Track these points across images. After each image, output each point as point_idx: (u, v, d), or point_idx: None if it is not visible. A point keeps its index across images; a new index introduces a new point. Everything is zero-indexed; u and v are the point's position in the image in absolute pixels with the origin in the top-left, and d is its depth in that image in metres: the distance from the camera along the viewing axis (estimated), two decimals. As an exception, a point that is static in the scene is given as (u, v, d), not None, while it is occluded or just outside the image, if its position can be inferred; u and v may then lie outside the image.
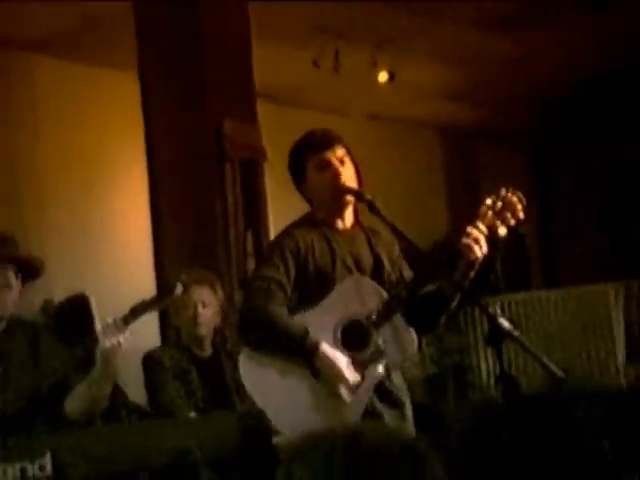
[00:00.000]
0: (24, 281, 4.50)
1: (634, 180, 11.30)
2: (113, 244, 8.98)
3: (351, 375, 4.05)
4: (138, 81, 7.60)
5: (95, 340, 4.16)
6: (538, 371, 4.40)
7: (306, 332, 4.06)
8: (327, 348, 4.05)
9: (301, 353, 4.06)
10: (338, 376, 4.03)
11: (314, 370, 4.07)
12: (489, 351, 8.07)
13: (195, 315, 5.61)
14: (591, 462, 5.67)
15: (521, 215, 4.05)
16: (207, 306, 5.66)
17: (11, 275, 4.41)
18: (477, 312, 8.24)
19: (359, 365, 4.07)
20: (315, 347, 4.04)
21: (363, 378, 4.08)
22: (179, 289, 4.35)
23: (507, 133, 12.10)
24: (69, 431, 4.15)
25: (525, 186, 4.25)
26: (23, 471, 3.47)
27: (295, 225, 4.35)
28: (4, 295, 4.40)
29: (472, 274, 4.07)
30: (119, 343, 4.14)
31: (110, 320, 4.18)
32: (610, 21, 9.32)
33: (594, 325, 8.73)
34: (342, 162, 4.24)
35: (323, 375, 4.04)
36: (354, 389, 4.06)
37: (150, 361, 5.68)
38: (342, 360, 4.05)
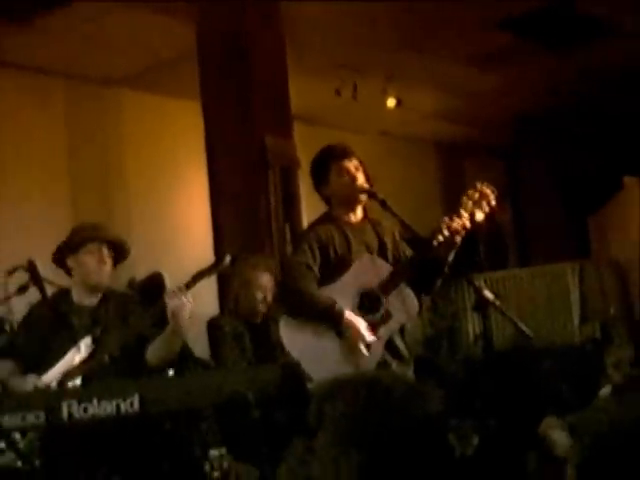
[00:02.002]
0: (115, 262, 4.55)
1: (585, 182, 11.29)
2: (181, 233, 9.02)
3: (368, 335, 4.08)
4: (201, 108, 7.67)
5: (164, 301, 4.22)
6: (512, 331, 4.41)
7: (333, 302, 4.08)
8: (350, 314, 4.08)
9: (330, 319, 4.09)
10: (359, 336, 4.05)
11: (339, 331, 4.12)
12: (475, 316, 8.07)
13: (258, 297, 5.62)
14: (552, 400, 5.68)
15: (493, 203, 4.08)
16: (268, 291, 5.64)
17: (105, 253, 4.45)
18: (465, 286, 8.25)
19: (373, 325, 4.10)
20: (341, 314, 4.06)
21: (376, 335, 4.12)
22: (227, 259, 4.39)
23: (489, 146, 12.08)
24: (152, 377, 4.19)
25: (503, 188, 4.26)
26: (117, 406, 3.52)
27: (318, 222, 4.37)
28: (101, 269, 4.45)
29: (453, 252, 4.10)
30: (183, 303, 4.19)
31: (174, 287, 4.24)
32: (569, 62, 9.34)
33: (556, 295, 8.73)
34: (357, 169, 4.28)
35: (347, 335, 4.07)
36: (370, 345, 4.10)
37: (213, 325, 5.65)
38: (361, 323, 4.09)
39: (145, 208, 8.75)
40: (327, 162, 4.33)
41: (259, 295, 5.57)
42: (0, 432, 3.62)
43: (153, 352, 4.33)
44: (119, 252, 4.56)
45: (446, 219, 4.02)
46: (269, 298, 5.60)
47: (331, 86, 8.90)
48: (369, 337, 4.08)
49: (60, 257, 4.51)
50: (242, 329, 5.58)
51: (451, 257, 4.13)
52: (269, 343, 5.48)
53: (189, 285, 4.23)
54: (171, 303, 4.18)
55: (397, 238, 4.35)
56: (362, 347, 4.07)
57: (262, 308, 5.61)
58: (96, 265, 4.42)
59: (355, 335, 4.06)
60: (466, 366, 7.09)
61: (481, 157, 12.10)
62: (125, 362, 4.27)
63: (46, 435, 3.80)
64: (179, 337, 4.35)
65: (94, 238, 4.46)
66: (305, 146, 7.20)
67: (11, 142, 8.05)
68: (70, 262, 4.47)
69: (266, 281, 5.61)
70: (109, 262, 4.47)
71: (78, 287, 4.49)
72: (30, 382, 4.22)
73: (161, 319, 4.30)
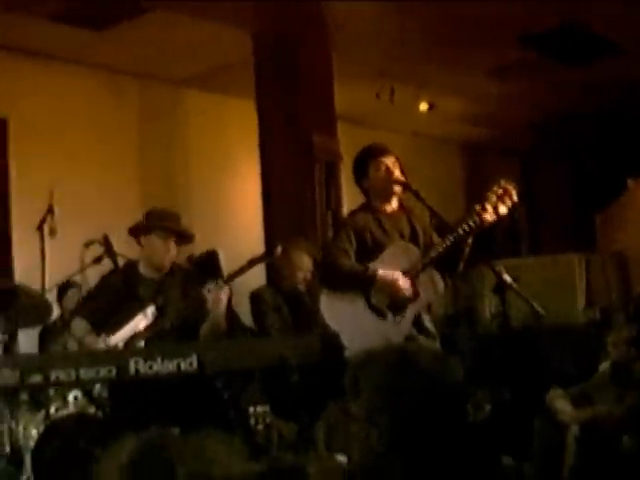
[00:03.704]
0: (179, 243, 4.57)
1: (593, 183, 11.18)
2: (236, 218, 9.04)
3: (404, 282, 4.07)
4: (255, 107, 7.69)
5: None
6: (526, 312, 4.37)
7: (366, 267, 4.08)
8: (383, 272, 4.07)
9: (365, 281, 4.07)
10: (394, 282, 4.05)
11: (370, 302, 4.09)
12: (491, 297, 8.01)
13: (299, 276, 5.63)
14: (557, 374, 5.65)
15: (515, 198, 4.05)
16: (308, 272, 5.65)
17: (172, 242, 4.48)
18: (483, 269, 8.17)
19: (402, 303, 4.10)
20: (374, 273, 4.06)
21: (406, 310, 4.10)
22: (279, 250, 4.41)
23: (508, 148, 11.99)
24: (207, 342, 4.21)
25: (518, 185, 4.23)
26: (178, 365, 3.55)
27: (357, 210, 4.38)
28: (165, 254, 4.47)
29: (471, 237, 4.08)
30: (219, 299, 4.18)
31: (212, 283, 4.22)
32: (580, 75, 9.26)
33: (563, 282, 8.67)
34: (393, 165, 4.26)
35: (381, 286, 4.05)
36: (409, 288, 4.08)
37: (255, 297, 5.70)
38: (396, 274, 4.06)
39: (205, 195, 8.77)
40: (366, 159, 4.33)
41: (300, 274, 5.59)
42: (78, 383, 3.67)
43: (205, 329, 4.36)
44: (184, 238, 4.59)
45: (477, 207, 4.00)
46: (308, 277, 5.62)
47: (371, 91, 8.87)
48: (405, 282, 4.06)
49: (135, 232, 4.54)
50: (280, 301, 5.61)
51: (470, 242, 4.12)
52: (304, 313, 5.50)
53: (231, 278, 4.24)
54: (209, 297, 4.17)
55: (427, 226, 4.33)
56: (401, 289, 4.04)
57: (301, 287, 5.62)
58: (162, 250, 4.45)
59: (391, 283, 4.04)
60: (482, 342, 7.05)
61: (501, 157, 12.01)
62: (183, 330, 4.29)
63: (115, 387, 3.84)
64: (220, 320, 4.34)
65: (165, 228, 4.48)
66: (347, 143, 7.22)
67: (91, 133, 8.12)
68: (142, 240, 4.51)
69: (306, 262, 5.64)
70: (173, 249, 4.49)
71: (145, 261, 4.52)
72: (100, 341, 4.26)
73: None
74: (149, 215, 4.56)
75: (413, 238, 4.25)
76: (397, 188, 4.24)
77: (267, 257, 4.60)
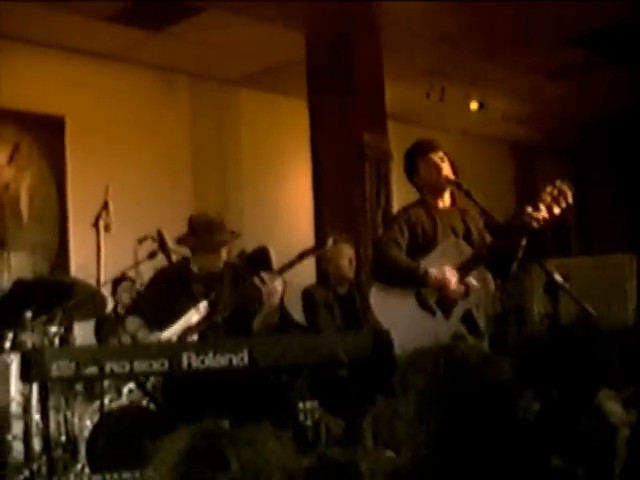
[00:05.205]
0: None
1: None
2: (287, 215, 9.06)
3: (455, 281, 4.02)
4: (307, 106, 7.69)
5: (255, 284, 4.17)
6: (576, 313, 4.31)
7: (418, 264, 4.04)
8: (434, 269, 4.03)
9: (416, 279, 4.03)
10: (445, 280, 4.01)
11: (421, 298, 4.07)
12: (541, 297, 7.93)
13: (344, 264, 5.66)
14: (605, 375, 5.58)
15: (570, 200, 3.97)
16: (352, 258, 5.70)
17: (221, 252, 4.47)
18: (532, 268, 8.07)
19: (452, 300, 4.06)
20: (425, 271, 4.02)
21: (455, 307, 4.07)
22: (330, 243, 4.40)
23: (558, 147, 11.86)
24: (258, 337, 4.21)
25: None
26: (230, 360, 3.57)
27: (410, 205, 4.34)
28: (216, 261, 4.48)
29: (525, 238, 4.02)
30: (275, 289, 4.13)
31: (266, 274, 4.18)
32: (635, 72, 9.12)
33: (613, 282, 8.56)
34: (442, 160, 4.23)
35: (432, 284, 4.01)
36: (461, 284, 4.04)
37: (307, 295, 5.72)
38: (447, 269, 4.02)
39: (256, 193, 8.81)
40: (415, 156, 4.30)
41: (344, 262, 5.62)
42: (131, 375, 3.71)
43: (257, 321, 4.36)
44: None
45: (529, 207, 3.94)
46: (353, 262, 5.67)
47: (422, 90, 8.84)
48: (456, 280, 4.02)
49: (184, 242, 4.54)
50: (332, 299, 5.63)
51: (524, 242, 4.07)
52: (355, 311, 5.50)
53: (283, 269, 4.22)
54: (263, 288, 4.15)
55: (481, 227, 4.29)
56: (452, 287, 4.00)
57: (349, 272, 5.66)
58: (215, 259, 4.45)
59: (441, 281, 4.00)
60: (531, 341, 6.97)
61: (552, 157, 11.88)
62: (234, 323, 4.29)
63: (168, 380, 3.87)
64: (274, 312, 4.31)
65: (214, 243, 4.46)
66: (397, 141, 7.19)
67: (145, 131, 8.20)
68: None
69: (347, 249, 5.71)
70: (224, 253, 4.49)
71: (196, 262, 4.52)
72: (153, 336, 4.29)
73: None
74: (196, 225, 4.52)
75: (467, 237, 4.21)
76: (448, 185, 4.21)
77: (318, 249, 4.59)
